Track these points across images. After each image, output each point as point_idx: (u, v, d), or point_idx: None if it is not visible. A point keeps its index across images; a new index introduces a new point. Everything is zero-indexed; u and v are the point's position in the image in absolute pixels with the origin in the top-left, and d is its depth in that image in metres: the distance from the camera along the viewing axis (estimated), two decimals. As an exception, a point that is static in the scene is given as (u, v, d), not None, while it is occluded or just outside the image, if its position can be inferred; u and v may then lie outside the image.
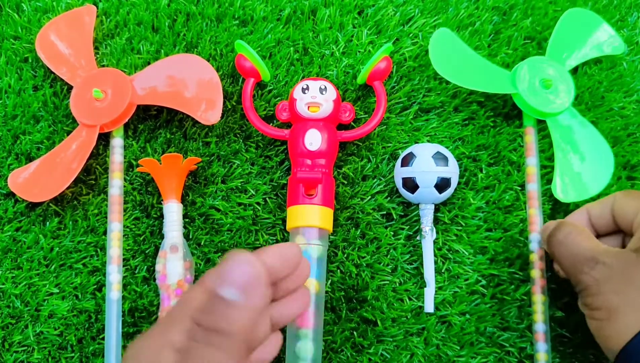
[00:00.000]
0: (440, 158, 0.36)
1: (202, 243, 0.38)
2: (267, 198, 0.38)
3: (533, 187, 0.37)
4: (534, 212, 0.36)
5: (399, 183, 0.37)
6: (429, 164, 0.35)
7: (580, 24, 0.40)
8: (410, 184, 0.36)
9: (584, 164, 0.37)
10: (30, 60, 0.42)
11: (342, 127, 0.39)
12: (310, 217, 0.35)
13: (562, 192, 0.37)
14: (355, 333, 0.36)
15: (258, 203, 0.38)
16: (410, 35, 0.41)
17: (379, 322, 0.36)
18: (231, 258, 0.24)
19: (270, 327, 0.27)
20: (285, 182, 0.38)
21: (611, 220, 0.33)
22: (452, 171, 0.36)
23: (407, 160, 0.36)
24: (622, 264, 0.29)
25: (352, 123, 0.39)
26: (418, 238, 0.37)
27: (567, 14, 0.40)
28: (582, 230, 0.32)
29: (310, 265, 0.29)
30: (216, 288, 0.23)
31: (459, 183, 0.38)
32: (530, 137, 0.38)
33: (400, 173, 0.36)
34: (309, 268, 0.28)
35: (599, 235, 0.34)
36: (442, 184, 0.35)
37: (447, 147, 0.38)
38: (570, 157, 0.37)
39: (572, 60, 0.39)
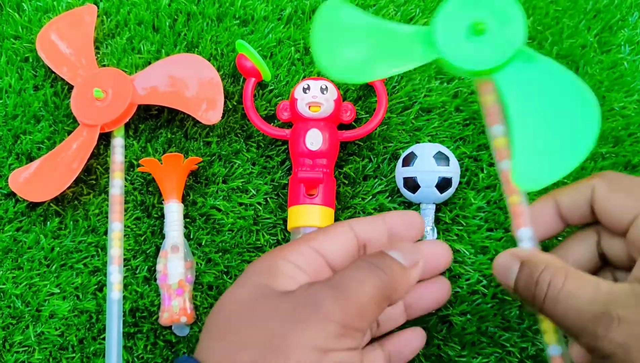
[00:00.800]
0: (441, 158, 0.36)
1: (203, 243, 0.38)
2: (268, 198, 0.38)
3: (507, 165, 0.28)
4: (516, 199, 0.28)
5: (400, 183, 0.37)
6: (430, 164, 0.35)
7: None
8: (412, 184, 0.36)
9: (553, 127, 0.26)
10: (30, 60, 0.42)
11: (343, 126, 0.39)
12: (311, 217, 0.35)
13: (525, 176, 0.26)
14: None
15: (259, 203, 0.38)
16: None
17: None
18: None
19: (403, 316, 0.30)
20: (286, 182, 0.38)
21: (587, 213, 0.28)
22: (453, 171, 0.36)
23: (408, 160, 0.36)
24: None
25: (353, 123, 0.39)
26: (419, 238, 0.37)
27: None
28: (565, 270, 0.24)
29: (451, 253, 0.30)
30: None
31: (460, 183, 0.38)
32: (490, 97, 0.28)
33: (401, 173, 0.36)
34: (448, 255, 0.30)
35: (568, 225, 0.29)
36: (443, 184, 0.35)
37: (448, 147, 0.38)
38: (532, 121, 0.26)
39: None
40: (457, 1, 0.27)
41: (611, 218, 0.27)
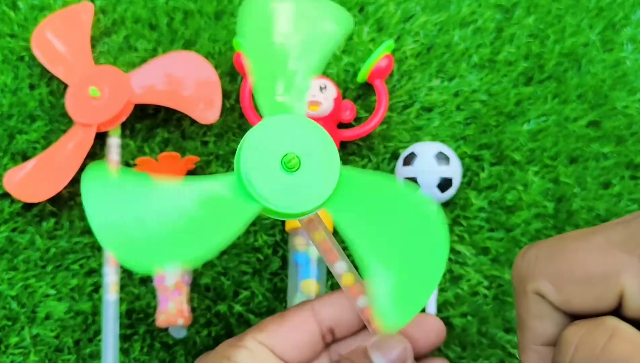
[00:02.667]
0: (442, 157, 0.35)
1: (200, 244, 0.37)
2: (266, 199, 0.38)
3: (364, 302, 0.25)
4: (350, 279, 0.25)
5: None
6: (430, 164, 0.35)
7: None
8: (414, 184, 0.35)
9: (401, 249, 0.23)
10: (26, 59, 0.41)
11: (343, 125, 0.39)
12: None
13: (390, 312, 0.22)
14: (355, 335, 0.36)
15: (257, 204, 0.38)
16: (412, 32, 0.40)
17: (379, 324, 0.36)
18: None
19: None
20: (285, 181, 0.38)
21: (562, 318, 0.21)
22: (454, 171, 0.35)
23: (408, 160, 0.36)
24: None
25: (352, 122, 0.39)
26: None
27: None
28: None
29: (444, 328, 0.28)
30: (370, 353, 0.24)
31: (461, 183, 0.37)
32: (319, 233, 0.25)
33: (401, 173, 0.36)
34: (441, 330, 0.28)
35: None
36: (444, 184, 0.35)
37: (449, 147, 0.37)
38: (376, 248, 0.23)
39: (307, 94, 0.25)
40: (259, 134, 0.22)
41: (591, 311, 0.21)
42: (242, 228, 0.22)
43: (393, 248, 0.23)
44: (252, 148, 0.22)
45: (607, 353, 0.18)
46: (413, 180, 0.35)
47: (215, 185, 0.22)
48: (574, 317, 0.21)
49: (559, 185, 0.37)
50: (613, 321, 0.19)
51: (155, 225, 0.21)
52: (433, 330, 0.27)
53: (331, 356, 0.28)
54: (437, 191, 0.35)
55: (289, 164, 0.22)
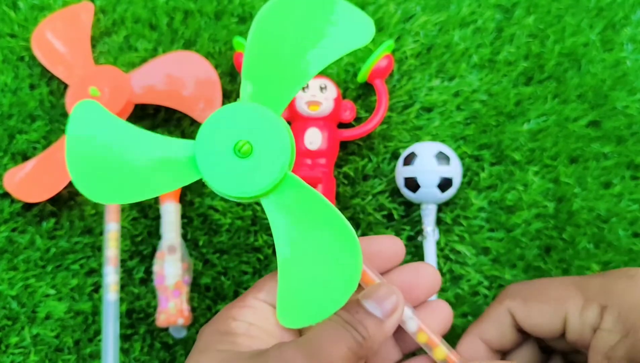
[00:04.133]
0: (442, 157, 0.35)
1: (200, 244, 0.37)
2: (266, 198, 0.38)
3: None
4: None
5: (400, 183, 0.36)
6: (430, 164, 0.35)
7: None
8: (412, 184, 0.35)
9: (316, 263, 0.24)
10: (26, 59, 0.41)
11: (343, 125, 0.39)
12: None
13: (287, 314, 0.25)
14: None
15: (257, 204, 0.38)
16: (412, 32, 0.40)
17: (380, 324, 0.36)
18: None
19: (396, 351, 0.28)
20: (285, 181, 0.38)
21: (516, 335, 0.28)
22: (454, 171, 0.35)
23: (409, 160, 0.36)
24: None
25: (352, 122, 0.39)
26: (420, 239, 0.36)
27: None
28: None
29: (438, 273, 0.28)
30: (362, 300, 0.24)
31: (461, 183, 0.37)
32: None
33: (401, 172, 0.36)
34: (435, 277, 0.28)
35: (505, 353, 0.29)
36: (444, 184, 0.35)
37: (449, 146, 0.37)
38: (295, 252, 0.25)
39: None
40: (221, 118, 0.25)
41: (542, 332, 0.27)
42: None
43: (308, 254, 0.25)
44: (206, 134, 0.25)
45: None
46: (413, 179, 0.35)
47: (177, 148, 0.26)
48: (527, 335, 0.28)
49: (559, 185, 0.37)
50: None
51: (116, 161, 0.25)
52: (427, 277, 0.28)
53: None
54: (437, 191, 0.35)
55: (240, 150, 0.24)
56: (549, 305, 0.26)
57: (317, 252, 0.25)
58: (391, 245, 0.28)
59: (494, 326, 0.28)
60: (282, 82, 0.26)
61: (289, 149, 0.25)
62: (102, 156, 0.25)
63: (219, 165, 0.24)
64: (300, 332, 0.27)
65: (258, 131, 0.25)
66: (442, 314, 0.28)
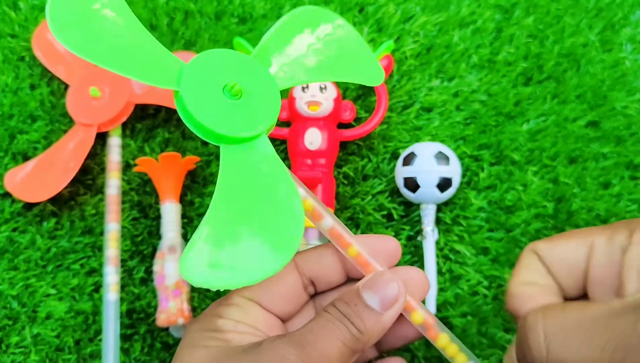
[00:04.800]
0: (441, 157, 0.35)
1: (200, 244, 0.37)
2: (266, 198, 0.38)
3: (329, 222, 0.26)
4: (355, 250, 0.26)
5: (400, 183, 0.36)
6: (430, 164, 0.35)
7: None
8: (412, 184, 0.35)
9: (251, 228, 0.22)
10: (27, 59, 0.41)
11: (343, 126, 0.39)
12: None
13: (195, 267, 0.21)
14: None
15: (257, 204, 0.38)
16: (412, 33, 0.41)
17: (379, 324, 0.36)
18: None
19: (372, 351, 0.28)
20: (285, 181, 0.38)
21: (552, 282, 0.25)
22: (454, 171, 0.35)
23: (408, 160, 0.36)
24: None
25: (352, 122, 0.39)
26: (419, 238, 0.36)
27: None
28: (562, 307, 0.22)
29: (428, 281, 0.27)
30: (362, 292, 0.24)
31: (460, 183, 0.37)
32: None
33: (401, 172, 0.36)
34: (425, 283, 0.27)
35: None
36: (443, 184, 0.35)
37: (448, 146, 0.38)
38: (233, 210, 0.23)
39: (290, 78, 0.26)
40: (211, 59, 0.24)
41: (565, 266, 0.25)
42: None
43: (245, 219, 0.22)
44: (194, 73, 0.23)
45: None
46: (413, 179, 0.35)
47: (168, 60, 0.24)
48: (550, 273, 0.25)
49: (558, 186, 0.38)
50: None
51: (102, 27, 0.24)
52: (419, 284, 0.27)
53: (316, 308, 0.28)
54: (437, 191, 0.35)
55: (231, 90, 0.23)
56: (574, 239, 0.25)
57: (252, 220, 0.22)
58: (388, 245, 0.27)
59: (528, 271, 0.25)
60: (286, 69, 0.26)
61: (279, 99, 0.25)
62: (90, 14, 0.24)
63: (205, 100, 0.23)
64: (287, 328, 0.27)
65: (249, 78, 0.24)
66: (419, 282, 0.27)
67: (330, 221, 0.26)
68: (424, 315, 0.26)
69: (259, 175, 0.23)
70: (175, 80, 0.23)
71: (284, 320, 0.27)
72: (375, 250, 0.26)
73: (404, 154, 0.36)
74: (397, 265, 0.28)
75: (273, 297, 0.26)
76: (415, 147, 0.36)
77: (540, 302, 0.24)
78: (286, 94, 0.40)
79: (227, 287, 0.21)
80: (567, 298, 0.25)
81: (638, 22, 0.41)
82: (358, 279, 0.26)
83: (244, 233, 0.22)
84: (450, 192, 0.36)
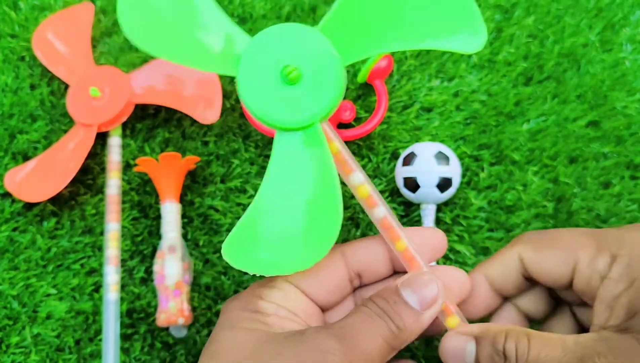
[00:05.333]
0: (441, 157, 0.35)
1: (200, 244, 0.37)
2: (266, 198, 0.38)
3: (382, 212, 0.25)
4: (403, 245, 0.25)
5: (400, 183, 0.36)
6: (430, 164, 0.35)
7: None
8: (412, 184, 0.35)
9: (286, 225, 0.23)
10: (27, 59, 0.41)
11: (343, 126, 0.39)
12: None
13: (238, 250, 0.23)
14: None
15: (257, 203, 0.38)
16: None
17: (379, 323, 0.36)
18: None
19: None
20: (285, 181, 0.38)
21: (521, 280, 0.27)
22: (454, 171, 0.35)
23: (408, 160, 0.36)
24: (624, 356, 0.22)
25: (352, 122, 0.39)
26: None
27: None
28: (527, 334, 0.23)
29: (469, 282, 0.27)
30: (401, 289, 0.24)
31: (460, 183, 0.37)
32: (333, 143, 0.24)
33: (401, 172, 0.36)
34: (466, 284, 0.27)
35: (505, 299, 0.28)
36: (443, 184, 0.35)
37: (448, 146, 0.38)
38: (274, 205, 0.23)
39: (360, 48, 0.24)
40: (270, 38, 0.23)
41: (550, 279, 0.26)
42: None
43: (288, 207, 0.23)
44: (250, 62, 0.23)
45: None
46: (413, 179, 0.35)
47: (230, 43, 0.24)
48: (533, 283, 0.27)
49: (558, 185, 0.38)
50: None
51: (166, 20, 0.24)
52: (458, 285, 0.27)
53: (356, 300, 0.28)
54: (437, 191, 0.35)
55: (288, 75, 0.22)
56: (560, 251, 0.25)
57: (295, 210, 0.23)
58: (435, 238, 0.27)
59: (501, 267, 0.27)
60: (359, 38, 0.24)
61: (342, 80, 0.23)
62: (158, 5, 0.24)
63: (261, 86, 0.23)
64: (325, 318, 0.26)
65: (310, 57, 0.23)
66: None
67: (383, 211, 0.25)
68: (459, 321, 0.26)
69: (307, 163, 0.23)
70: (234, 66, 0.23)
71: (324, 310, 0.27)
72: (422, 244, 0.26)
73: (403, 154, 0.37)
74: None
75: (318, 286, 0.26)
76: (415, 147, 0.36)
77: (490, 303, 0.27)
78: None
79: (263, 274, 0.22)
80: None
81: (638, 22, 0.41)
82: (405, 273, 0.26)
83: (286, 223, 0.23)
84: (450, 192, 0.36)
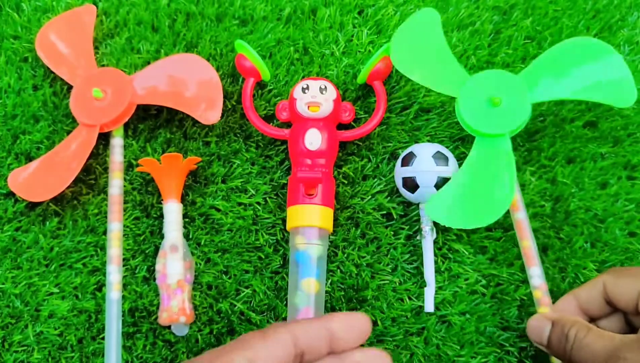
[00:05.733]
0: (440, 158, 0.36)
1: (202, 243, 0.38)
2: (267, 198, 0.38)
3: (522, 215, 0.35)
4: (527, 243, 0.35)
5: (399, 183, 0.37)
6: (429, 164, 0.35)
7: (580, 55, 0.35)
8: (411, 184, 0.36)
9: (474, 198, 0.34)
10: (30, 60, 0.42)
11: (342, 126, 0.39)
12: (311, 217, 0.35)
13: (440, 209, 0.34)
14: (355, 333, 0.36)
15: (258, 203, 0.38)
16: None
17: (379, 322, 0.36)
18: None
19: None
20: (286, 181, 0.38)
21: (603, 304, 0.32)
22: (452, 171, 0.36)
23: (407, 160, 0.36)
24: None
25: (352, 123, 0.39)
26: (418, 238, 0.37)
27: (570, 44, 0.35)
28: (588, 326, 0.30)
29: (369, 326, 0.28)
30: None
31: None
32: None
33: (400, 173, 0.36)
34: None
35: (592, 320, 0.33)
36: (442, 184, 0.35)
37: (447, 147, 0.38)
38: (469, 183, 0.34)
39: (546, 93, 0.35)
40: (488, 76, 0.36)
41: (622, 300, 0.31)
42: None
43: (483, 182, 0.34)
44: (471, 85, 0.36)
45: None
46: (412, 179, 0.36)
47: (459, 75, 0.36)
48: (614, 309, 0.32)
49: (556, 185, 0.38)
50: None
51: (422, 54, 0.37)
52: (357, 326, 0.27)
53: None
54: (436, 191, 0.35)
55: (492, 100, 0.34)
56: (633, 278, 0.31)
57: (483, 186, 0.34)
58: (357, 322, 0.27)
59: (587, 291, 0.32)
60: (544, 87, 0.35)
61: (528, 111, 0.35)
62: (417, 45, 0.37)
63: (473, 105, 0.35)
64: None
65: (510, 91, 0.35)
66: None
67: (523, 214, 0.35)
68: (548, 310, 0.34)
69: (495, 161, 0.34)
70: (456, 89, 0.36)
71: None
72: (345, 328, 0.27)
73: (403, 154, 0.37)
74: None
75: (269, 361, 0.25)
76: (414, 148, 0.36)
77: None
78: (287, 95, 0.40)
79: (459, 227, 0.35)
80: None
81: (635, 24, 0.42)
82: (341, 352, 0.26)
83: (476, 194, 0.34)
84: None
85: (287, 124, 0.39)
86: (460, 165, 0.38)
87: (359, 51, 0.41)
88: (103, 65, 0.41)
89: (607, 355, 0.28)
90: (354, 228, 0.38)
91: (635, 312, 0.31)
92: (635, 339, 0.28)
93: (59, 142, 0.39)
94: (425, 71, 0.36)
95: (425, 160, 0.35)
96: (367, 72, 0.38)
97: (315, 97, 0.37)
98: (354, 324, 0.27)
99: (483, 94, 0.35)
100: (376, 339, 0.36)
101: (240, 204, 0.38)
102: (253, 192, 0.38)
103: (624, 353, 0.27)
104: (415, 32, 0.37)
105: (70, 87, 0.40)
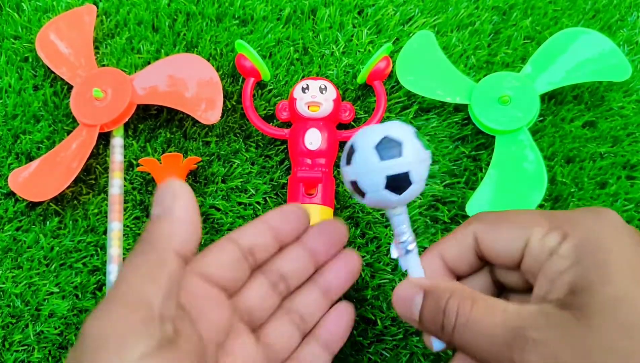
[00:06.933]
0: (388, 146, 0.24)
1: (202, 243, 0.38)
2: (267, 198, 0.38)
3: None
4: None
5: (349, 188, 0.26)
6: (370, 160, 0.24)
7: (576, 44, 0.38)
8: (357, 189, 0.25)
9: (510, 191, 0.35)
10: (30, 60, 0.42)
11: (342, 126, 0.39)
12: (311, 217, 0.35)
13: (478, 203, 0.36)
14: (354, 332, 0.36)
15: (258, 203, 0.38)
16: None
17: (378, 321, 0.36)
18: None
19: (325, 302, 0.29)
20: (286, 181, 0.38)
21: (474, 259, 0.26)
22: (409, 161, 0.24)
23: (349, 157, 0.25)
24: (560, 333, 0.21)
25: (352, 122, 0.39)
26: (394, 257, 0.27)
27: (564, 35, 0.39)
28: (473, 296, 0.23)
29: (344, 226, 0.30)
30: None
31: (458, 182, 0.38)
32: None
33: (346, 175, 0.25)
34: (342, 232, 0.29)
35: (459, 278, 0.27)
36: (395, 184, 0.24)
37: (446, 147, 0.38)
38: (502, 179, 0.36)
39: (549, 83, 0.38)
40: (504, 76, 0.38)
41: (501, 255, 0.25)
42: None
43: (512, 177, 0.36)
44: (480, 89, 0.38)
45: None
46: (355, 183, 0.25)
47: (465, 84, 0.39)
48: (483, 264, 0.27)
49: (555, 185, 0.38)
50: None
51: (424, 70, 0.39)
52: (335, 233, 0.29)
53: (270, 278, 0.29)
54: (389, 194, 0.24)
55: (502, 99, 0.37)
56: (514, 228, 0.25)
57: (511, 179, 0.36)
58: (292, 213, 0.29)
59: (456, 246, 0.26)
60: (548, 77, 0.38)
61: (538, 104, 0.37)
62: (420, 65, 0.39)
63: (485, 106, 0.37)
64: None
65: (517, 89, 0.37)
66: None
67: None
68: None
69: (521, 153, 0.36)
70: (467, 96, 0.38)
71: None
72: (282, 221, 0.29)
73: (345, 147, 0.26)
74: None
75: (219, 270, 0.27)
76: (355, 137, 0.25)
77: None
78: (287, 95, 0.40)
79: None
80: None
81: (635, 24, 0.42)
82: None
83: (511, 188, 0.36)
84: (412, 190, 0.24)
85: (287, 124, 0.39)
86: (460, 165, 0.38)
87: (359, 51, 0.41)
88: (103, 65, 0.41)
89: (507, 337, 0.21)
90: (353, 227, 0.38)
91: (515, 267, 0.25)
92: (539, 312, 0.22)
93: (60, 142, 0.39)
94: (434, 86, 0.38)
95: (365, 155, 0.24)
96: (367, 72, 0.38)
97: (315, 96, 0.37)
98: (288, 216, 0.29)
99: (492, 96, 0.37)
100: (376, 339, 0.36)
101: (240, 204, 0.38)
102: (253, 191, 0.38)
103: (530, 333, 0.21)
104: (415, 55, 0.39)
105: (70, 87, 0.40)
